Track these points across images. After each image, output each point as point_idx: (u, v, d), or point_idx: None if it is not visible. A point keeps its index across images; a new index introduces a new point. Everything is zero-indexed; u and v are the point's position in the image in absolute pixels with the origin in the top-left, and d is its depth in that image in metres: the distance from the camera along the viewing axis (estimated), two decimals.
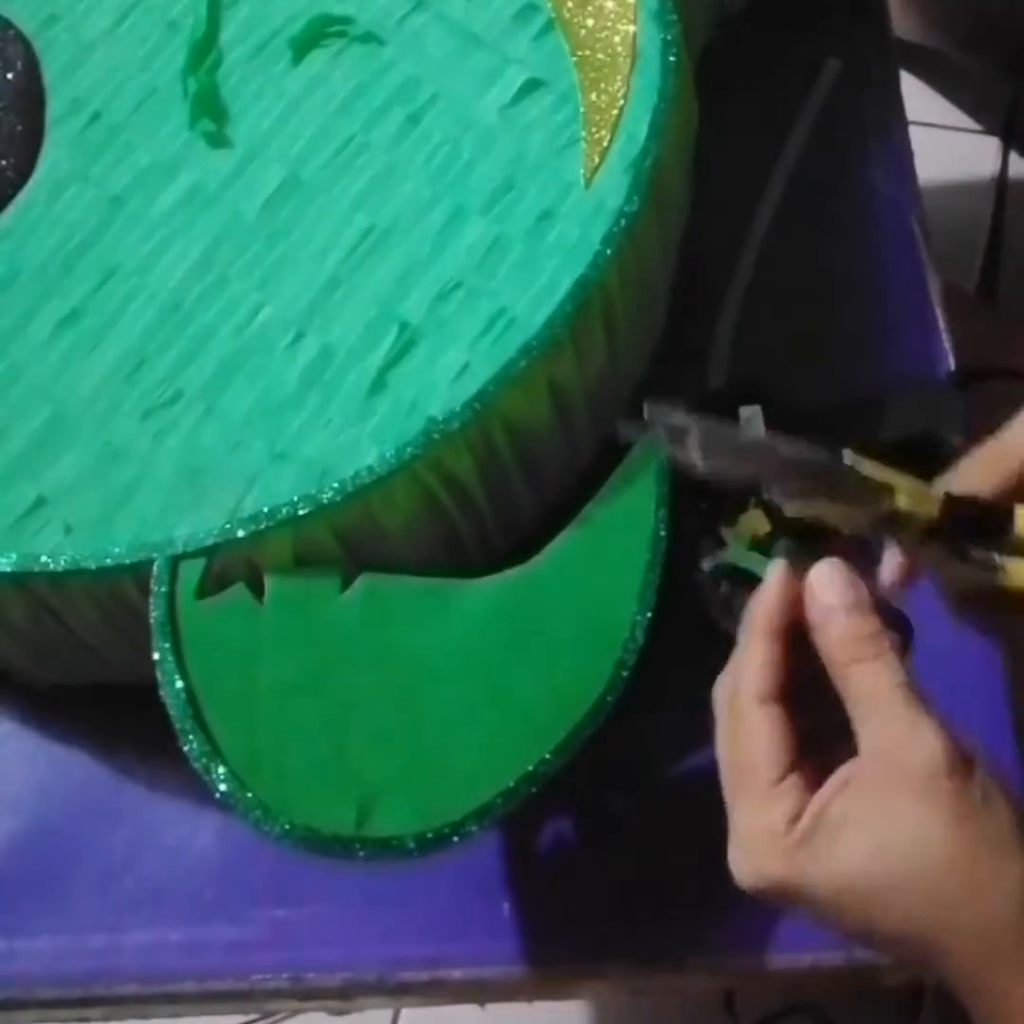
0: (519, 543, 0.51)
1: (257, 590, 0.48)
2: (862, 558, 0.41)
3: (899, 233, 0.65)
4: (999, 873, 0.37)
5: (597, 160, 0.53)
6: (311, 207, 0.54)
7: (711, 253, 0.63)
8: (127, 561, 0.48)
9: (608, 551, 0.49)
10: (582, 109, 0.54)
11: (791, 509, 0.40)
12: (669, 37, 0.55)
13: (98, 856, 0.54)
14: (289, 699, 0.47)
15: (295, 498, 0.48)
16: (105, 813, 0.55)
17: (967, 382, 0.60)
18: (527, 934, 0.52)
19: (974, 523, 0.41)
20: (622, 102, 0.54)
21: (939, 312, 0.62)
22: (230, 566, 0.48)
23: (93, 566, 0.48)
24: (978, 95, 1.28)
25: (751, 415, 0.57)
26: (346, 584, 0.48)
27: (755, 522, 0.40)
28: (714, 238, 0.63)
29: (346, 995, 0.53)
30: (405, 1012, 1.03)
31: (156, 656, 0.47)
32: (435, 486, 0.49)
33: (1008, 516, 0.41)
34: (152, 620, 0.47)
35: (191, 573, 0.48)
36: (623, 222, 0.51)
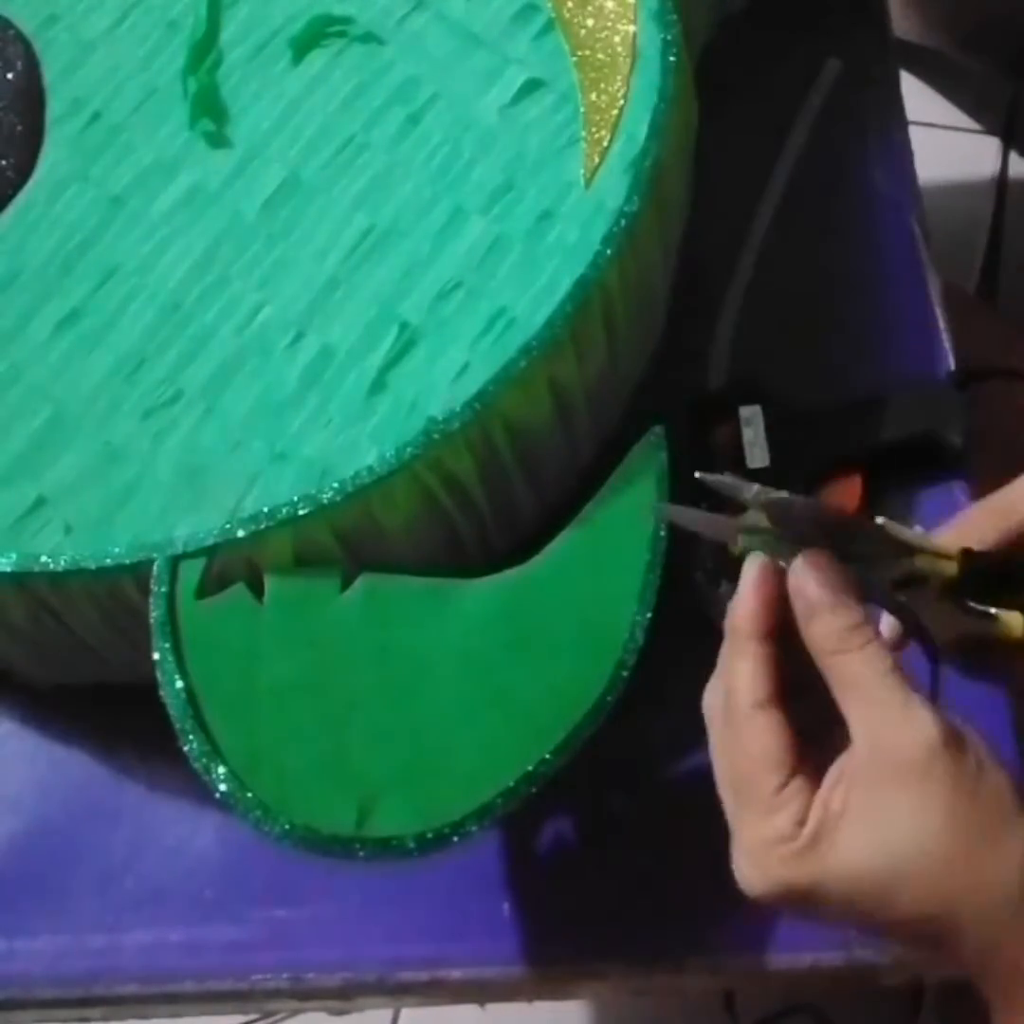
0: (519, 543, 0.51)
1: (257, 590, 0.48)
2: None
3: (899, 233, 0.65)
4: (1002, 843, 0.37)
5: (597, 160, 0.53)
6: (311, 207, 0.54)
7: (711, 253, 0.63)
8: (127, 561, 0.48)
9: (608, 551, 0.49)
10: (582, 109, 0.54)
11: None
12: (669, 37, 0.55)
13: (98, 856, 0.54)
14: (289, 699, 0.47)
15: (295, 498, 0.48)
16: (105, 813, 0.55)
17: (967, 382, 0.60)
18: (527, 934, 0.52)
19: (990, 579, 0.41)
20: (622, 102, 0.54)
21: (939, 312, 0.62)
22: (230, 566, 0.48)
23: (93, 566, 0.48)
24: (978, 95, 1.28)
25: (751, 415, 0.57)
26: (346, 584, 0.48)
27: (758, 515, 0.41)
28: (714, 238, 0.63)
29: (346, 995, 0.53)
30: (405, 1012, 1.03)
31: (156, 656, 0.47)
32: (435, 486, 0.49)
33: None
34: (152, 620, 0.47)
35: (191, 573, 0.48)
36: (623, 222, 0.51)
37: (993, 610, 0.42)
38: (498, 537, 0.54)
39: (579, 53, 0.55)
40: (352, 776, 0.46)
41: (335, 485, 0.48)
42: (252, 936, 0.53)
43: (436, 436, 0.48)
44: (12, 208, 0.55)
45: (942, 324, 0.62)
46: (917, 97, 1.08)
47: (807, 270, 0.64)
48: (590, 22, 0.56)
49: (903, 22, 0.92)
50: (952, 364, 0.61)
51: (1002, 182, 1.27)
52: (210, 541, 0.48)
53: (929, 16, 1.02)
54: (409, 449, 0.48)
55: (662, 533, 0.49)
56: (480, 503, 0.52)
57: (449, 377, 0.50)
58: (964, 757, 0.37)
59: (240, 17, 0.58)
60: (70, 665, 0.55)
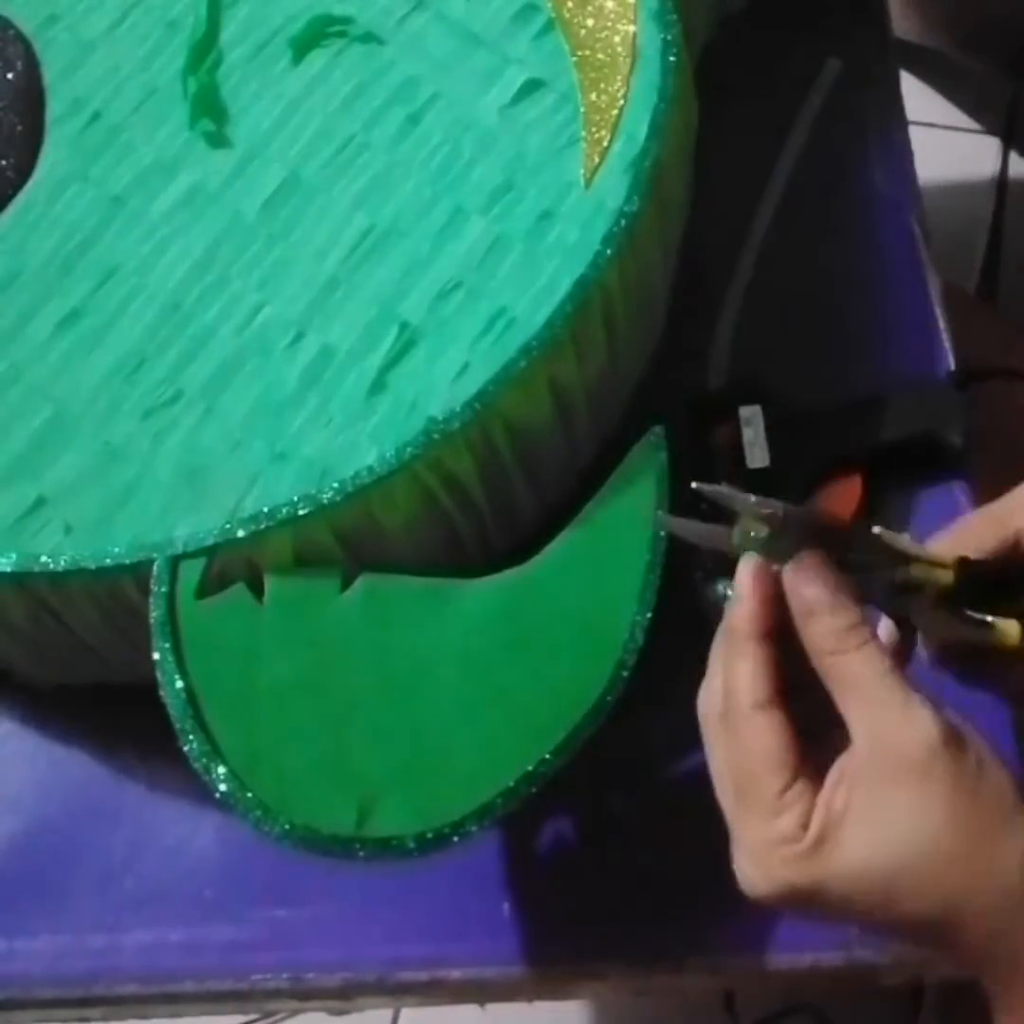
0: (519, 543, 0.51)
1: (257, 590, 0.48)
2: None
3: (899, 233, 0.65)
4: (1003, 841, 0.37)
5: (597, 160, 0.53)
6: (311, 207, 0.54)
7: (711, 253, 0.63)
8: (127, 561, 0.48)
9: (608, 552, 0.49)
10: (582, 109, 0.54)
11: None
12: (669, 37, 0.55)
13: (98, 856, 0.54)
14: (289, 699, 0.47)
15: (295, 498, 0.48)
16: (105, 813, 0.55)
17: (967, 382, 0.60)
18: (527, 934, 0.52)
19: (987, 588, 0.42)
20: (622, 102, 0.54)
21: (939, 312, 0.62)
22: (230, 566, 0.48)
23: (93, 566, 0.48)
24: (978, 95, 1.28)
25: (751, 415, 0.57)
26: (346, 584, 0.48)
27: (755, 523, 0.41)
28: (714, 238, 0.63)
29: (346, 995, 0.53)
30: (405, 1012, 1.03)
31: (156, 656, 0.47)
32: (435, 486, 0.49)
33: (1022, 583, 0.42)
34: (152, 620, 0.47)
35: (191, 573, 0.48)
36: (623, 222, 0.51)
37: (989, 618, 0.42)
38: (498, 537, 0.54)
39: (579, 53, 0.55)
40: (352, 776, 0.46)
41: (335, 485, 0.48)
42: (252, 936, 0.53)
43: (436, 436, 0.48)
44: (12, 208, 0.55)
45: (942, 324, 0.62)
46: (917, 97, 1.08)
47: (807, 270, 0.64)
48: (590, 22, 0.56)
49: (903, 22, 0.92)
50: (952, 364, 0.61)
51: (1002, 182, 1.27)
52: (210, 541, 0.48)
53: (929, 16, 1.02)
54: (409, 449, 0.48)
55: (662, 533, 0.49)
56: (480, 503, 0.52)
57: (449, 377, 0.50)
58: (964, 755, 0.38)
59: (240, 17, 0.58)
60: (70, 665, 0.55)
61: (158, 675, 0.47)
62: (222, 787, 0.45)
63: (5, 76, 0.57)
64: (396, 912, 0.53)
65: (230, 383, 0.51)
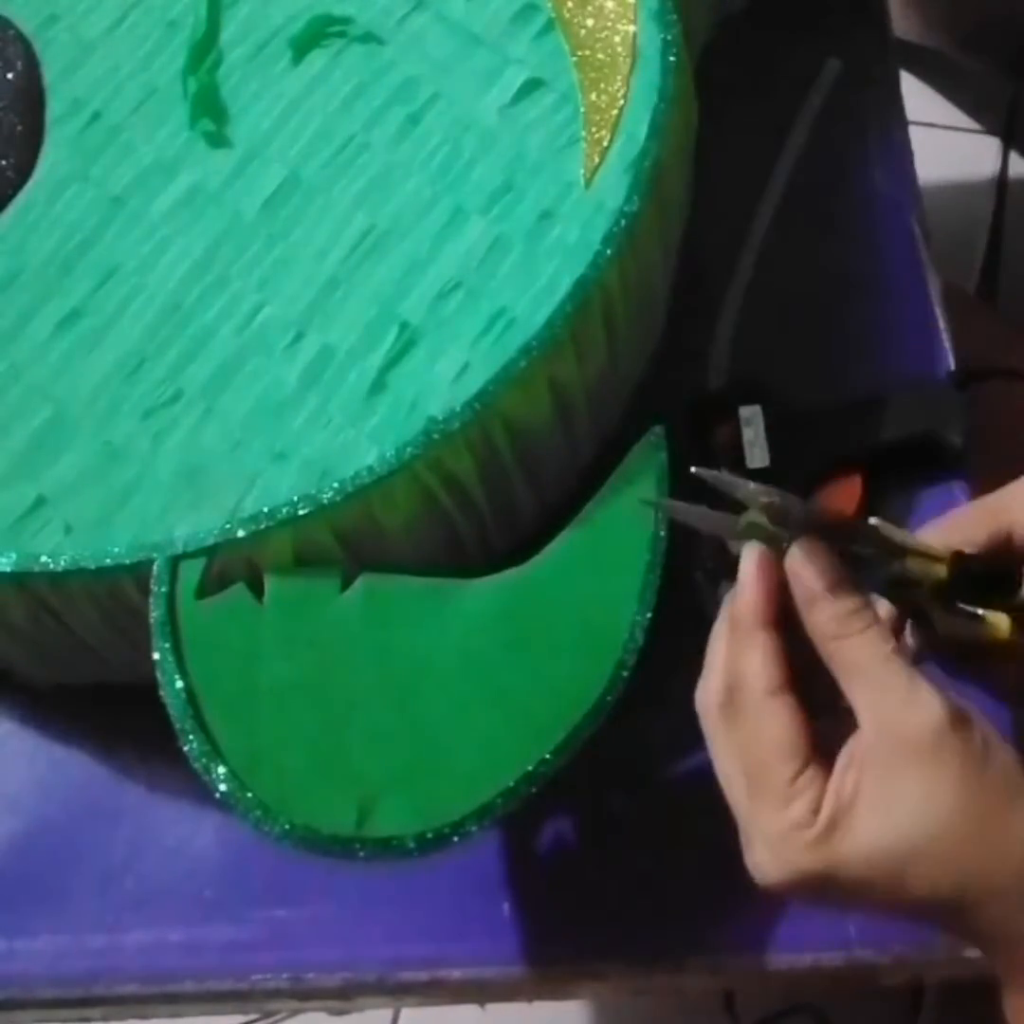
0: (519, 543, 0.51)
1: (257, 590, 0.48)
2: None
3: (899, 233, 0.65)
4: (1012, 820, 0.37)
5: (597, 160, 0.53)
6: (311, 207, 0.54)
7: (711, 253, 0.63)
8: (127, 561, 0.48)
9: (608, 551, 0.49)
10: (582, 109, 0.54)
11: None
12: (669, 37, 0.55)
13: (98, 856, 0.54)
14: (289, 699, 0.47)
15: (295, 498, 0.48)
16: (105, 813, 0.55)
17: (967, 382, 0.60)
18: (527, 934, 0.52)
19: (979, 582, 0.42)
20: (622, 102, 0.54)
21: (939, 312, 0.62)
22: (230, 566, 0.48)
23: (93, 566, 0.48)
24: (978, 95, 1.28)
25: (751, 415, 0.57)
26: (346, 584, 0.48)
27: (758, 515, 0.41)
28: (714, 238, 0.63)
29: (346, 995, 0.53)
30: (405, 1012, 1.03)
31: (156, 656, 0.47)
32: (435, 486, 0.49)
33: (1016, 579, 0.42)
34: (152, 620, 0.47)
35: (191, 573, 0.48)
36: (623, 222, 0.51)
37: (981, 611, 0.42)
38: (498, 537, 0.54)
39: (579, 53, 0.55)
40: (352, 776, 0.46)
41: (335, 485, 0.48)
42: (252, 936, 0.53)
43: (436, 436, 0.48)
44: (12, 208, 0.55)
45: (942, 324, 0.62)
46: (917, 97, 1.08)
47: (807, 270, 0.64)
48: (590, 22, 0.56)
49: (903, 22, 0.92)
50: (952, 364, 0.61)
51: (1002, 182, 1.27)
52: (210, 541, 0.48)
53: (929, 16, 1.02)
54: (409, 449, 0.48)
55: (662, 533, 0.49)
56: (480, 503, 0.52)
57: (449, 377, 0.50)
58: (971, 736, 0.38)
59: (240, 17, 0.58)
60: (70, 665, 0.55)
61: (158, 675, 0.47)
62: (222, 787, 0.45)
63: (5, 76, 0.57)
64: (396, 912, 0.53)
65: (230, 383, 0.51)
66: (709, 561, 0.55)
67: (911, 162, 0.67)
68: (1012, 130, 1.29)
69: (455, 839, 0.45)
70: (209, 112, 0.56)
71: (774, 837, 0.39)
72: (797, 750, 0.39)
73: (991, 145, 1.28)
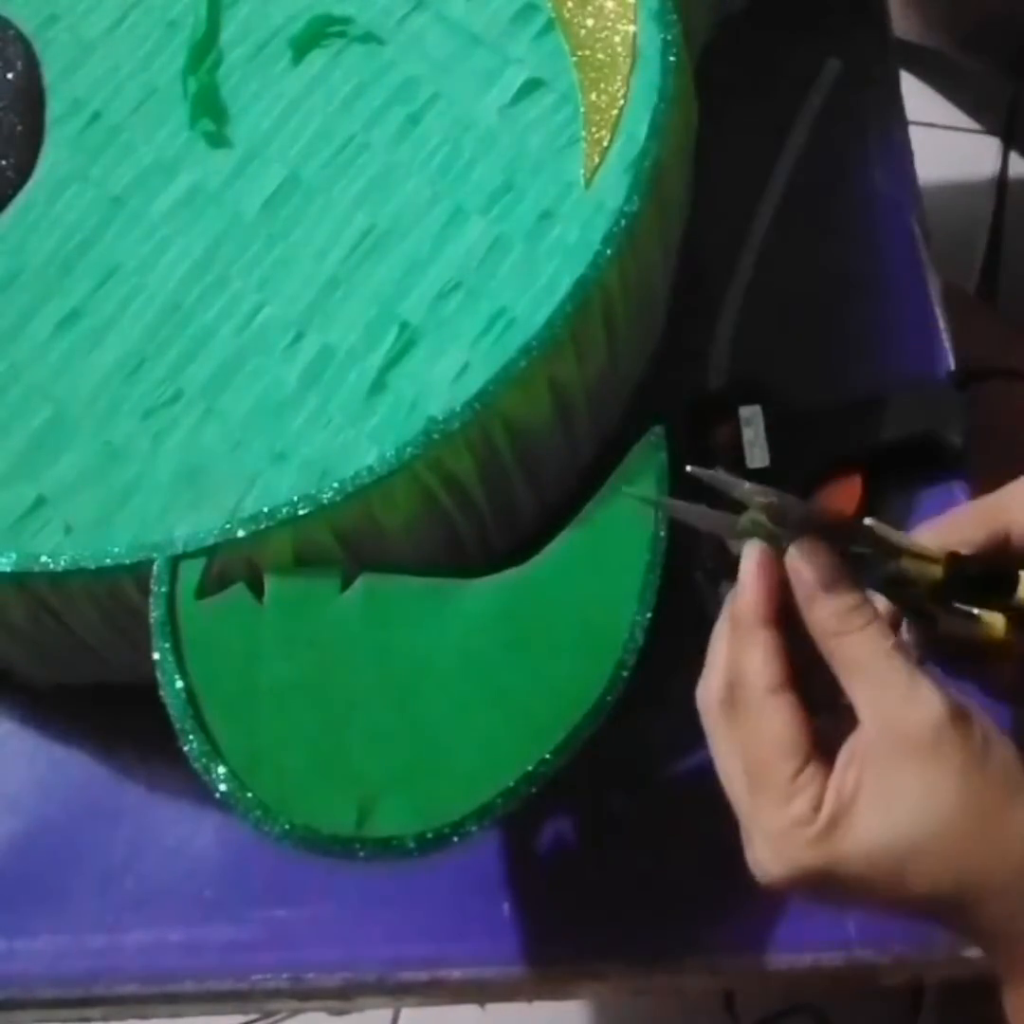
0: (519, 543, 0.51)
1: (257, 590, 0.48)
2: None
3: (899, 233, 0.65)
4: (1013, 816, 0.37)
5: (597, 160, 0.53)
6: (311, 207, 0.54)
7: (711, 253, 0.63)
8: (127, 561, 0.48)
9: (608, 551, 0.49)
10: (582, 109, 0.54)
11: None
12: (669, 37, 0.55)
13: (98, 856, 0.54)
14: (289, 699, 0.47)
15: (295, 498, 0.48)
16: (105, 813, 0.55)
17: (967, 382, 0.60)
18: (527, 934, 0.52)
19: (975, 583, 0.42)
20: (622, 102, 0.54)
21: (939, 312, 0.62)
22: (230, 566, 0.48)
23: (93, 566, 0.48)
24: (978, 95, 1.28)
25: (751, 415, 0.57)
26: (346, 584, 0.48)
27: (758, 514, 0.41)
28: (714, 238, 0.63)
29: (346, 995, 0.53)
30: (405, 1012, 1.03)
31: (156, 656, 0.47)
32: (435, 486, 0.49)
33: (1012, 579, 0.42)
34: (152, 620, 0.47)
35: (191, 573, 0.48)
36: (623, 222, 0.51)
37: (976, 611, 0.42)
38: (498, 537, 0.54)
39: (579, 53, 0.55)
40: (352, 776, 0.46)
41: (335, 485, 0.48)
42: (252, 936, 0.53)
43: (436, 436, 0.48)
44: (12, 208, 0.55)
45: (942, 324, 0.62)
46: (917, 97, 1.08)
47: (807, 270, 0.64)
48: (590, 22, 0.56)
49: (903, 22, 0.92)
50: (952, 364, 0.61)
51: (1002, 182, 1.27)
52: (210, 541, 0.48)
53: (929, 16, 1.02)
54: (409, 449, 0.48)
55: (662, 533, 0.49)
56: (480, 503, 0.52)
57: (449, 377, 0.50)
58: (971, 732, 0.38)
59: (240, 17, 0.58)
60: (70, 665, 0.55)
61: (158, 675, 0.47)
62: (222, 787, 0.45)
63: (5, 76, 0.57)
64: (396, 912, 0.53)
65: (230, 383, 0.51)
66: (709, 561, 0.55)
67: (911, 162, 0.67)
68: (1012, 130, 1.29)
69: (455, 839, 0.45)
70: (209, 112, 0.56)
71: (775, 834, 0.39)
72: (798, 747, 0.39)
73: (991, 145, 1.28)
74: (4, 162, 0.55)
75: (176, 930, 0.53)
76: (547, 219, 0.52)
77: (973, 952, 0.50)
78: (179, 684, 0.46)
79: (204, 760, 0.45)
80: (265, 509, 0.48)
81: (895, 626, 0.43)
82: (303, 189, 0.54)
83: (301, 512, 0.48)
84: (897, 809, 0.38)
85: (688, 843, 0.52)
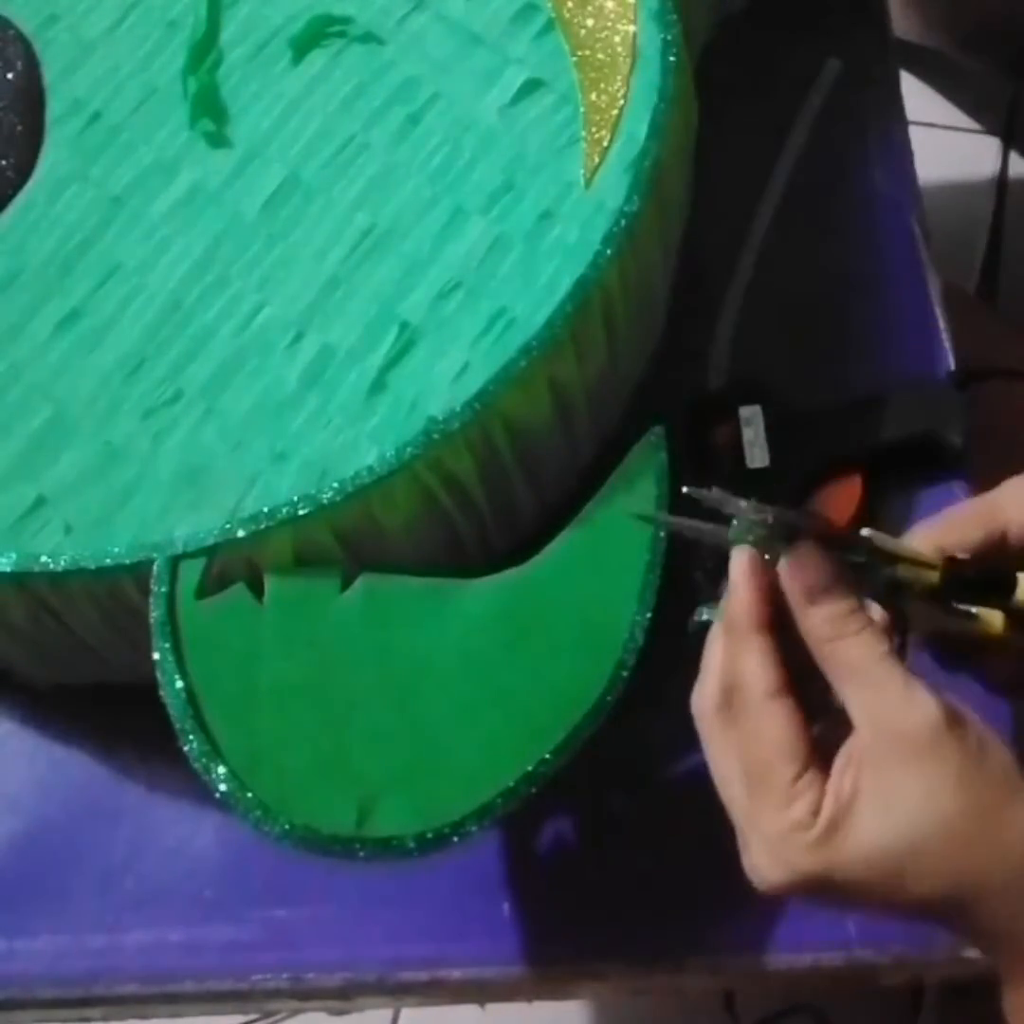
0: (519, 543, 0.51)
1: (257, 590, 0.48)
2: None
3: (899, 233, 0.65)
4: (1009, 818, 0.37)
5: (597, 160, 0.53)
6: (311, 207, 0.54)
7: (711, 253, 0.63)
8: (127, 561, 0.48)
9: (608, 552, 0.49)
10: (582, 109, 0.54)
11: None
12: (669, 37, 0.55)
13: (98, 856, 0.54)
14: (289, 699, 0.47)
15: (295, 498, 0.48)
16: (105, 813, 0.55)
17: (967, 382, 0.60)
18: (527, 934, 0.52)
19: (974, 586, 0.42)
20: (622, 102, 0.54)
21: (939, 312, 0.62)
22: (230, 566, 0.48)
23: (93, 566, 0.48)
24: (978, 95, 1.28)
25: (751, 415, 0.57)
26: (346, 584, 0.48)
27: (750, 521, 0.41)
28: (714, 238, 0.63)
29: (346, 995, 0.53)
30: (405, 1012, 1.03)
31: (156, 656, 0.47)
32: (435, 486, 0.49)
33: (1009, 581, 0.42)
34: (152, 620, 0.47)
35: (191, 573, 0.48)
36: (623, 222, 0.51)
37: (974, 609, 0.43)
38: (498, 537, 0.54)
39: (579, 53, 0.55)
40: (352, 776, 0.46)
41: (335, 485, 0.48)
42: (252, 936, 0.53)
43: (436, 436, 0.48)
44: (12, 208, 0.55)
45: (942, 324, 0.62)
46: (917, 97, 1.08)
47: (807, 270, 0.64)
48: (590, 22, 0.56)
49: (903, 22, 0.92)
50: (952, 364, 0.61)
51: (1002, 182, 1.27)
52: (210, 541, 0.48)
53: (929, 16, 1.02)
54: (409, 449, 0.48)
55: (662, 533, 0.49)
56: (480, 503, 0.52)
57: (449, 377, 0.50)
58: (966, 735, 0.38)
59: (240, 17, 0.58)
60: (70, 665, 0.55)
61: (158, 675, 0.47)
62: (222, 787, 0.45)
63: (5, 76, 0.57)
64: (396, 912, 0.53)
65: (230, 383, 0.51)
66: (709, 561, 0.55)
67: (911, 162, 0.67)
68: (1012, 130, 1.29)
69: (455, 839, 0.45)
70: (209, 112, 0.56)
71: (774, 838, 0.39)
72: (798, 752, 0.39)
73: (991, 145, 1.28)
74: (4, 162, 0.55)
75: (176, 930, 0.53)
76: (547, 219, 0.52)
77: (973, 952, 0.50)
78: (179, 684, 0.46)
79: (204, 760, 0.45)
80: (265, 509, 0.48)
81: (890, 633, 0.43)
82: (303, 189, 0.54)
83: (301, 512, 0.48)
84: (895, 812, 0.38)
85: (688, 843, 0.52)
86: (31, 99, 0.56)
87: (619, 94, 0.54)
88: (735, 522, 0.41)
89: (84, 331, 0.52)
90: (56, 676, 0.56)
